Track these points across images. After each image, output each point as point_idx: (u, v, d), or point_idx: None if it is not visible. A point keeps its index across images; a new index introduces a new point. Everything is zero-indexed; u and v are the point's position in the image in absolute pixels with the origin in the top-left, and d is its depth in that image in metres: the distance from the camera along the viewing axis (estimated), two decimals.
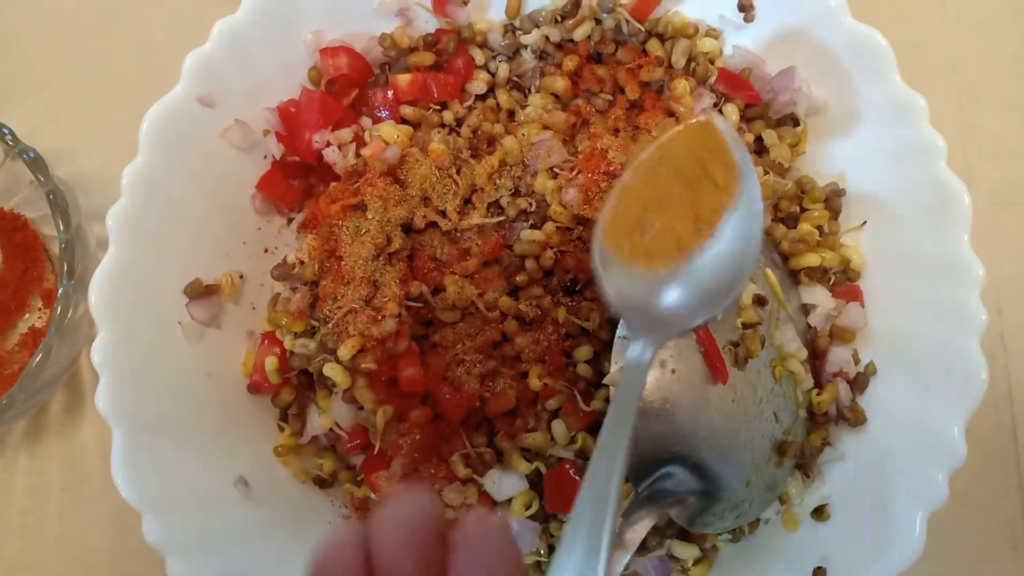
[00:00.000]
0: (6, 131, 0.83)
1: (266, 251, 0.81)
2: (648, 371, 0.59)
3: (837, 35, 0.73)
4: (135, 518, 0.65)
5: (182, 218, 0.73)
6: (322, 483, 0.78)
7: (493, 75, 0.81)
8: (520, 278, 0.75)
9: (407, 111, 0.78)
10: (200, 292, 0.73)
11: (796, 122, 0.79)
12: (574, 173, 0.74)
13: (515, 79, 0.82)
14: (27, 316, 0.91)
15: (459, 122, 0.79)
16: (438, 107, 0.79)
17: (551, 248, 0.75)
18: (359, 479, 0.76)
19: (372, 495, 0.74)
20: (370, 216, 0.71)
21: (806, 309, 0.76)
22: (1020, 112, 0.96)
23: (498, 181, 0.76)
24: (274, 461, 0.77)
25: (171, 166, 0.71)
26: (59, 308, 0.78)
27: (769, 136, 0.78)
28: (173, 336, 0.72)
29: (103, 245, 0.69)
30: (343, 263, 0.71)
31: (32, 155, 0.82)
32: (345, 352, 0.70)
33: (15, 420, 0.86)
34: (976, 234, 0.68)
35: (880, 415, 0.72)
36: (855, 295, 0.75)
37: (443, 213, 0.75)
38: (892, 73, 0.70)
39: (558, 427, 0.71)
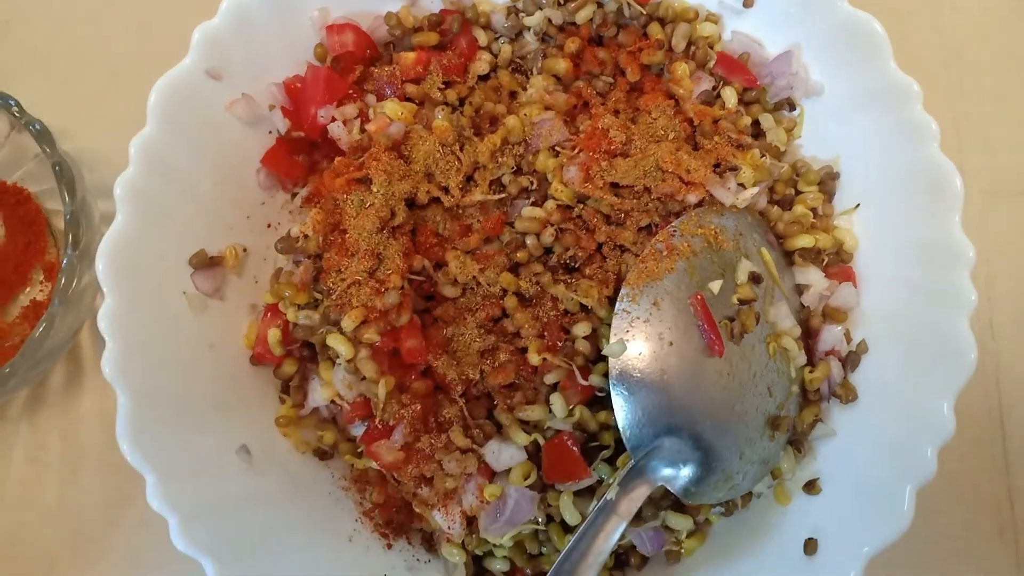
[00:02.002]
0: (12, 102, 0.83)
1: (269, 226, 0.82)
2: None
3: (834, 21, 0.75)
4: (133, 490, 0.65)
5: (188, 189, 0.74)
6: (322, 455, 0.79)
7: (496, 56, 0.82)
8: (520, 255, 0.76)
9: (411, 89, 0.79)
10: (204, 263, 0.74)
11: (793, 106, 0.81)
12: (575, 152, 0.76)
13: (517, 60, 0.83)
14: (28, 289, 0.92)
15: (462, 101, 0.81)
16: (442, 86, 0.80)
17: (551, 225, 0.76)
18: (359, 451, 0.77)
19: (373, 465, 0.75)
20: (375, 190, 0.72)
21: (800, 289, 0.78)
22: (1011, 104, 0.98)
23: (500, 159, 0.77)
24: (275, 432, 0.78)
25: (178, 137, 0.72)
26: (63, 279, 0.79)
27: (766, 120, 0.79)
28: (177, 306, 0.73)
29: (106, 220, 0.70)
30: (347, 236, 0.72)
31: (39, 127, 0.83)
32: (348, 323, 0.71)
33: (16, 389, 0.86)
34: (967, 224, 0.69)
35: (871, 392, 0.73)
36: (848, 276, 0.76)
37: (446, 189, 0.76)
38: (887, 58, 0.72)
39: (556, 401, 0.73)
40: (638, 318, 0.70)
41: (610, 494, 0.67)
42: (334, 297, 0.72)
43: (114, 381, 0.66)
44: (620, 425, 0.69)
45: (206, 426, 0.72)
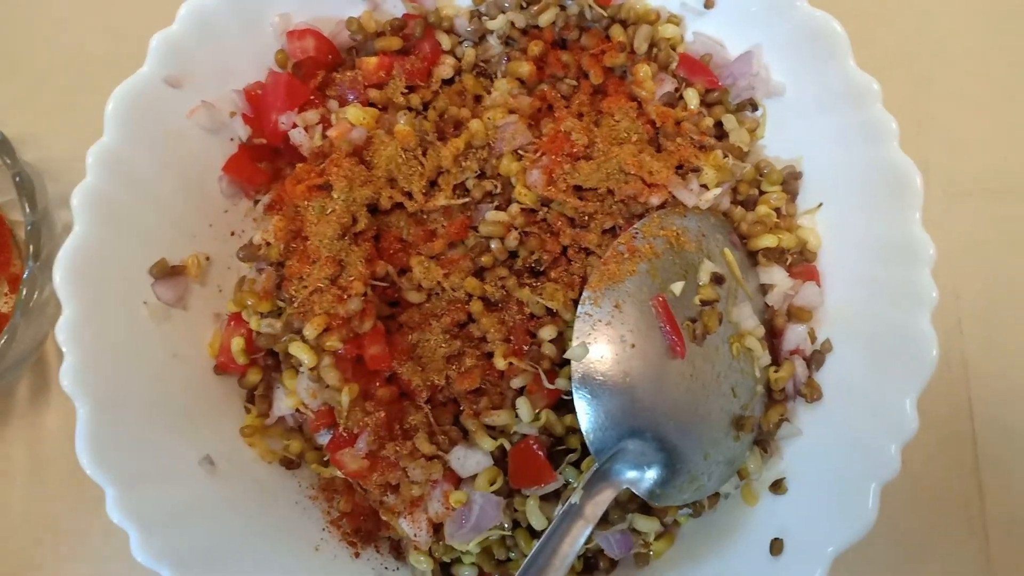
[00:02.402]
0: None
1: (232, 234, 0.81)
2: None
3: (794, 21, 0.75)
4: (98, 502, 0.65)
5: (148, 198, 0.73)
6: (289, 464, 0.78)
7: (460, 60, 0.82)
8: (485, 259, 0.76)
9: (374, 94, 0.79)
10: (166, 273, 0.74)
11: (755, 107, 0.81)
12: (538, 155, 0.75)
13: (481, 64, 0.83)
14: None
15: (426, 106, 0.80)
16: (405, 90, 0.79)
17: (516, 229, 0.76)
18: (325, 460, 0.76)
19: (339, 474, 0.74)
20: (336, 196, 0.72)
21: (764, 289, 0.78)
22: (975, 105, 0.98)
23: (464, 163, 0.77)
24: (240, 441, 0.77)
25: (137, 146, 0.72)
26: (24, 290, 0.78)
27: (729, 121, 0.80)
28: (138, 316, 0.72)
29: (70, 230, 0.69)
30: (309, 243, 0.72)
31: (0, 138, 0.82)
32: (311, 331, 0.70)
33: None
34: (933, 223, 0.70)
35: (835, 391, 0.73)
36: (812, 275, 0.77)
37: (409, 195, 0.76)
38: (846, 58, 0.72)
39: (523, 405, 0.72)
40: (600, 321, 0.70)
41: (574, 498, 0.67)
42: (296, 305, 0.72)
43: (73, 393, 0.65)
44: (583, 428, 0.69)
45: (169, 437, 0.71)
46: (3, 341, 0.77)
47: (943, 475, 0.89)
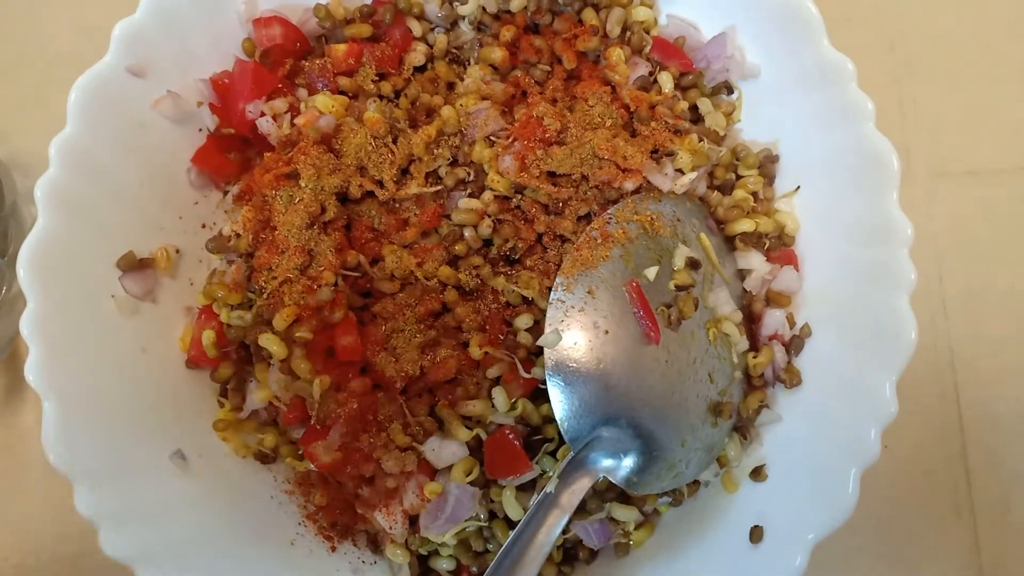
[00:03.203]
0: None
1: (204, 226, 0.80)
2: None
3: (768, 2, 0.74)
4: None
5: (114, 190, 0.72)
6: (263, 458, 0.77)
7: (431, 47, 0.81)
8: (459, 247, 0.75)
9: (344, 82, 0.77)
10: (134, 265, 0.73)
11: (731, 90, 0.80)
12: (510, 140, 0.74)
13: (454, 51, 0.82)
14: None
15: (398, 93, 0.79)
16: (376, 78, 0.78)
17: (489, 217, 0.75)
18: (300, 453, 0.75)
19: (314, 467, 0.73)
20: (303, 184, 0.71)
21: (742, 274, 0.77)
22: (956, 85, 0.97)
23: (436, 151, 0.76)
24: (213, 436, 0.76)
25: (101, 137, 0.70)
26: None
27: (704, 104, 0.78)
28: (106, 309, 0.71)
29: None
30: (277, 233, 0.71)
31: None
32: (280, 322, 0.69)
33: None
34: (916, 205, 0.69)
35: (815, 376, 0.72)
36: (790, 259, 0.75)
37: (380, 183, 0.74)
38: (821, 38, 0.71)
39: (499, 395, 0.71)
40: (573, 307, 0.69)
41: (549, 487, 0.66)
42: (266, 296, 0.71)
43: (39, 387, 0.64)
44: (558, 417, 0.68)
45: (139, 432, 0.70)
46: None
47: (930, 461, 0.88)
